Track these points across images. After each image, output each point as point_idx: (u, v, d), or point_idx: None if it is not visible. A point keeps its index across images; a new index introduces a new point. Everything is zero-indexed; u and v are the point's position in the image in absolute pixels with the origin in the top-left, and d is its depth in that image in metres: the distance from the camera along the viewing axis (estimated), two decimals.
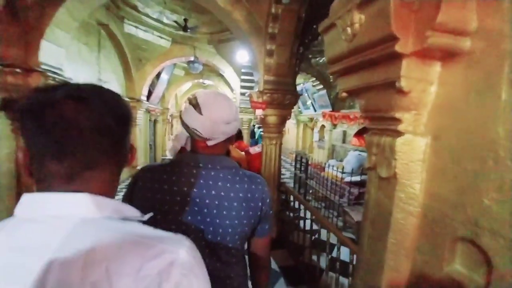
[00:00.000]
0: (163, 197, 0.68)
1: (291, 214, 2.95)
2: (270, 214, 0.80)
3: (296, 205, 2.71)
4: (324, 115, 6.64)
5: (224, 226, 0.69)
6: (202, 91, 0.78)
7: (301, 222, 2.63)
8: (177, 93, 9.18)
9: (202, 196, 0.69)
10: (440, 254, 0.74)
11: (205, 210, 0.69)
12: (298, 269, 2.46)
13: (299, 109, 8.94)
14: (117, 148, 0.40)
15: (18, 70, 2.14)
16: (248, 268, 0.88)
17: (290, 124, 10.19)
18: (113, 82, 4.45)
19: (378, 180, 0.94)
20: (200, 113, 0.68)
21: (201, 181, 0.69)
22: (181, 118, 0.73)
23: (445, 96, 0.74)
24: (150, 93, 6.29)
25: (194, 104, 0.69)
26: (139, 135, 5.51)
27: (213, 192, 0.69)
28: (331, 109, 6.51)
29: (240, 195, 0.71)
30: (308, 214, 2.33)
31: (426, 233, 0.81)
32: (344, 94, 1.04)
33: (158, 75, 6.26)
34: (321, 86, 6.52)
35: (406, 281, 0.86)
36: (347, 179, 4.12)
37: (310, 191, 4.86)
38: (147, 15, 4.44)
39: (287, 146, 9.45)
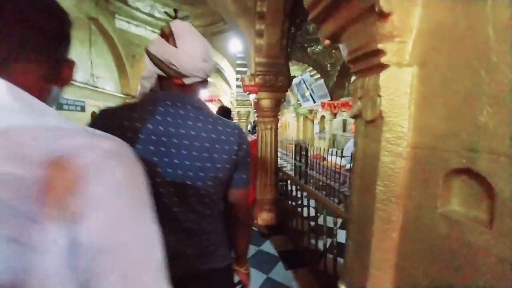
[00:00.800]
0: (123, 133, 0.58)
1: (292, 203, 2.87)
2: (248, 163, 0.73)
3: (296, 193, 2.63)
4: (323, 105, 6.54)
5: (194, 169, 0.62)
6: (175, 21, 0.69)
7: (301, 210, 2.55)
8: None
9: (170, 135, 0.60)
10: (433, 195, 0.66)
11: (173, 151, 0.61)
12: (298, 252, 2.38)
13: (298, 102, 8.84)
14: (47, 48, 0.36)
15: None
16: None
17: (290, 118, 10.09)
18: (107, 78, 4.42)
19: (365, 126, 0.86)
20: (175, 45, 0.61)
21: (169, 119, 0.61)
22: (149, 53, 0.64)
23: (431, 18, 0.66)
24: None
25: (168, 34, 0.62)
26: None
27: (182, 131, 0.61)
28: (330, 99, 6.40)
29: (213, 136, 0.64)
30: (309, 202, 2.25)
31: (417, 175, 0.73)
32: (327, 42, 0.97)
33: None
34: (319, 76, 6.42)
35: (398, 231, 0.78)
36: (348, 166, 4.03)
37: (311, 181, 4.77)
38: (138, 10, 4.41)
39: (288, 140, 9.36)
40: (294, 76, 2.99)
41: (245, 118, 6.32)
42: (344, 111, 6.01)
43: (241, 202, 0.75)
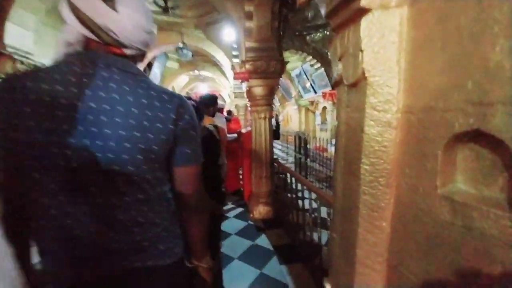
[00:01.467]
0: (38, 98, 0.46)
1: (291, 195, 2.73)
2: (192, 136, 0.61)
3: (294, 186, 2.49)
4: (324, 95, 6.32)
5: (118, 139, 0.50)
6: None
7: (299, 202, 2.41)
8: (175, 87, 9.06)
9: (84, 99, 0.48)
10: (432, 172, 0.51)
11: (90, 117, 0.48)
12: (295, 246, 2.26)
13: (300, 94, 8.62)
14: None
15: None
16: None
17: (292, 110, 9.88)
18: None
19: (347, 93, 0.71)
20: (114, 9, 0.50)
21: (85, 80, 0.49)
22: (76, 10, 0.50)
23: None
24: None
25: None
26: None
27: (102, 94, 0.50)
28: (331, 88, 6.18)
29: (143, 100, 0.52)
30: (306, 194, 2.10)
31: (410, 147, 0.57)
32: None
33: (150, 68, 6.12)
34: (319, 65, 6.19)
35: (389, 220, 0.63)
36: None
37: (312, 173, 4.62)
38: None
39: (290, 133, 9.17)
40: (288, 61, 2.81)
41: (244, 110, 6.16)
42: None
43: (188, 183, 0.63)
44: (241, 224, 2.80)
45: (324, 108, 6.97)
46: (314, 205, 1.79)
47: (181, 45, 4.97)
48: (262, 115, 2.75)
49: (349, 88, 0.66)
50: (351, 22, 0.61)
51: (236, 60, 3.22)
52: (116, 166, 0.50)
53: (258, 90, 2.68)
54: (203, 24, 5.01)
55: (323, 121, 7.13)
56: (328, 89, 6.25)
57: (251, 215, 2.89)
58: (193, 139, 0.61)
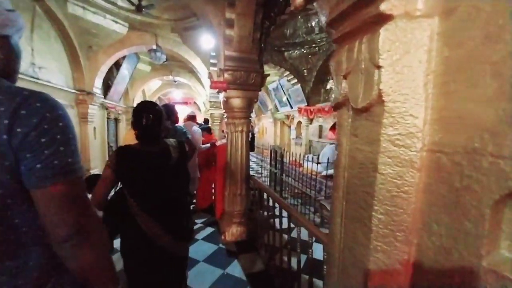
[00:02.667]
0: None
1: (265, 213, 2.55)
2: (42, 144, 0.45)
3: (268, 203, 2.33)
4: (300, 111, 6.43)
5: None
6: None
7: (274, 222, 2.24)
8: (146, 91, 8.49)
9: None
10: (476, 235, 0.38)
11: None
12: (269, 274, 2.06)
13: (276, 107, 8.70)
14: None
15: None
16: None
17: (267, 123, 9.92)
18: (54, 70, 3.78)
19: (353, 119, 0.58)
20: None
21: None
22: None
23: None
24: (108, 88, 5.63)
25: None
26: (93, 134, 4.80)
27: None
28: (306, 104, 6.32)
29: None
30: (282, 212, 1.95)
31: (441, 197, 0.45)
32: (299, 1, 0.68)
33: (118, 68, 5.63)
34: (296, 81, 6.32)
35: (407, 284, 0.50)
36: (324, 173, 3.86)
37: (287, 188, 4.53)
38: None
39: (265, 145, 9.13)
40: (268, 74, 2.73)
41: (219, 121, 5.94)
42: (320, 117, 5.93)
43: (54, 213, 0.47)
44: (211, 248, 2.53)
45: (299, 123, 7.08)
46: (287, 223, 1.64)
47: (155, 47, 4.65)
48: (239, 128, 2.59)
49: (357, 112, 0.53)
50: (364, 31, 0.49)
51: (213, 68, 3.05)
52: None
53: (236, 102, 2.52)
54: (180, 28, 4.79)
55: (298, 136, 7.22)
56: (303, 105, 6.38)
57: (223, 237, 2.63)
58: (45, 148, 0.45)
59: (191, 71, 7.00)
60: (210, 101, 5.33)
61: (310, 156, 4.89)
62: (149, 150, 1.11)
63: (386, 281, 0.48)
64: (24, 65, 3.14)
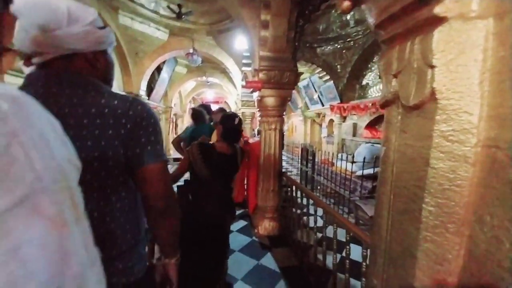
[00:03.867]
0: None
1: (297, 211, 2.59)
2: (150, 133, 0.61)
3: (302, 200, 2.36)
4: (332, 108, 6.24)
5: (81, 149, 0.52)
6: None
7: (306, 219, 2.28)
8: (181, 92, 9.06)
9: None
10: None
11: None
12: (303, 270, 2.10)
13: (306, 105, 8.56)
14: None
15: None
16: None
17: (297, 121, 9.81)
18: None
19: (402, 116, 0.61)
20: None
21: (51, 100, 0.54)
22: None
23: None
24: (151, 90, 6.16)
25: None
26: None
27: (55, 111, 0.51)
28: (339, 101, 6.11)
29: (93, 110, 0.55)
30: (316, 211, 1.98)
31: (495, 191, 0.46)
32: (347, 3, 0.72)
33: (159, 72, 6.13)
34: (328, 77, 6.15)
35: (458, 275, 0.51)
36: (359, 173, 3.72)
37: (318, 187, 4.48)
38: (143, 6, 4.29)
39: (295, 143, 9.06)
40: (302, 73, 2.74)
41: (250, 119, 6.09)
42: (354, 115, 5.69)
43: (151, 182, 0.62)
44: (245, 240, 2.66)
45: (331, 121, 6.88)
46: (320, 222, 1.66)
47: (191, 51, 4.96)
48: (273, 126, 2.66)
49: (408, 110, 0.55)
50: (415, 32, 0.52)
51: (247, 68, 3.15)
52: (89, 174, 0.55)
53: (270, 101, 2.60)
54: (214, 31, 5.02)
55: (330, 134, 7.03)
56: (336, 102, 6.18)
57: (256, 231, 2.75)
58: (152, 136, 0.61)
59: (223, 72, 7.28)
60: (242, 100, 5.50)
61: (343, 155, 4.75)
62: (222, 152, 1.41)
63: (435, 270, 0.51)
64: None
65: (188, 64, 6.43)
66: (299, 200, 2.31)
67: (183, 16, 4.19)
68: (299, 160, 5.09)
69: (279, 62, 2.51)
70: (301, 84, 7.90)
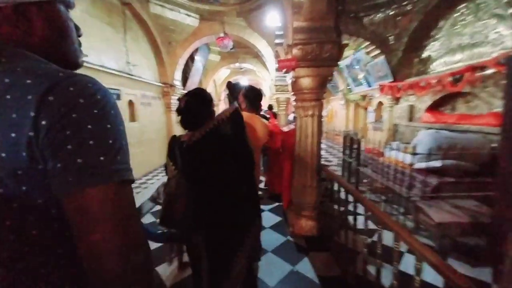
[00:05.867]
0: None
1: (340, 208, 2.21)
2: (66, 136, 0.33)
3: (346, 197, 1.97)
4: (382, 88, 5.37)
5: None
6: None
7: (352, 219, 1.89)
8: (216, 80, 9.05)
9: None
10: None
11: None
12: (347, 283, 1.76)
13: (349, 87, 7.66)
14: None
15: None
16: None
17: (338, 105, 8.93)
18: (143, 66, 4.38)
19: None
20: None
21: None
22: None
23: None
24: (186, 80, 6.21)
25: None
26: (176, 120, 5.49)
27: None
28: (391, 80, 5.20)
29: None
30: (362, 209, 1.59)
31: None
32: None
33: (193, 61, 6.10)
34: (378, 52, 5.25)
35: None
36: (420, 165, 3.04)
37: (364, 180, 3.91)
38: None
39: (335, 130, 8.31)
40: (347, 44, 2.23)
41: (285, 106, 5.66)
42: (411, 95, 4.76)
43: (87, 222, 0.34)
44: (278, 239, 2.41)
45: (380, 103, 5.97)
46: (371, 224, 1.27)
47: (222, 35, 4.72)
48: (310, 112, 2.26)
49: None
50: None
51: (280, 46, 2.74)
52: None
53: (307, 82, 2.19)
54: (245, 11, 4.66)
55: (378, 119, 6.14)
56: (387, 81, 5.28)
57: (291, 229, 2.47)
58: (71, 141, 0.33)
59: (256, 56, 6.91)
60: (276, 85, 5.10)
61: (395, 143, 4.03)
62: (186, 141, 1.01)
63: None
64: (121, 64, 3.74)
65: (221, 51, 6.24)
66: (342, 196, 1.92)
67: None
68: (341, 149, 4.53)
69: (317, 33, 2.06)
70: (342, 63, 7.04)
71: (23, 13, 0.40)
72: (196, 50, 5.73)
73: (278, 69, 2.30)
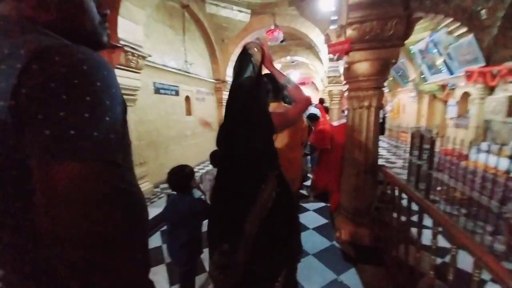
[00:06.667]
0: None
1: (401, 218, 1.85)
2: (38, 105, 0.30)
3: (410, 204, 1.62)
4: (470, 76, 4.30)
5: None
6: None
7: (416, 232, 1.55)
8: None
9: None
10: None
11: None
12: None
13: (423, 76, 6.47)
14: None
15: None
16: None
17: (406, 98, 7.66)
18: (199, 64, 4.70)
19: None
20: None
21: None
22: None
23: None
24: None
25: None
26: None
27: None
28: (484, 64, 4.11)
29: None
30: (430, 222, 1.26)
31: None
32: None
33: None
34: (464, 30, 4.20)
35: None
36: None
37: (438, 188, 3.23)
38: None
39: (402, 127, 7.19)
40: (419, 18, 1.82)
41: (339, 99, 5.17)
42: (511, 82, 3.66)
43: (49, 199, 0.30)
44: (323, 243, 2.20)
45: (465, 94, 4.81)
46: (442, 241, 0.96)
47: (273, 27, 4.62)
48: (366, 103, 1.95)
49: None
50: None
51: (331, 28, 2.43)
52: None
53: (363, 67, 1.89)
54: None
55: (462, 114, 4.98)
56: (477, 66, 4.19)
57: (338, 234, 2.22)
58: (43, 109, 0.30)
59: (309, 47, 6.56)
60: (328, 77, 4.71)
61: (486, 144, 3.17)
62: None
63: None
64: (180, 63, 4.10)
65: (271, 45, 6.17)
66: (405, 203, 1.59)
67: None
68: (408, 149, 3.87)
69: (378, 8, 1.74)
70: (415, 47, 5.97)
71: None
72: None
73: (330, 53, 2.05)
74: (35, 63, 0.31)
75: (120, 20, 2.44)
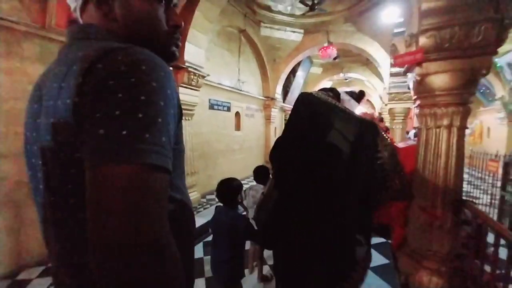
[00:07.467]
0: None
1: (495, 271, 1.38)
2: (95, 105, 0.30)
3: (507, 254, 1.19)
4: None
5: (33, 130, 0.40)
6: None
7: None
8: None
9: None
10: None
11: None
12: None
13: None
14: None
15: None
16: None
17: (491, 120, 6.29)
18: (251, 82, 4.92)
19: None
20: None
21: None
22: None
23: None
24: (286, 93, 6.44)
25: None
26: (274, 132, 5.75)
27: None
28: None
29: (56, 71, 0.37)
30: None
31: None
32: None
33: (294, 75, 6.27)
34: None
35: None
36: None
37: None
38: (280, 12, 4.49)
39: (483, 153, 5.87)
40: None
41: (402, 118, 4.56)
42: None
43: (97, 202, 0.28)
44: (379, 284, 1.83)
45: None
46: None
47: (326, 44, 4.53)
48: (445, 122, 1.62)
49: None
50: None
51: (398, 38, 2.15)
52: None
53: (441, 80, 1.59)
54: (355, 14, 4.28)
55: None
56: None
57: (403, 280, 1.81)
58: (100, 111, 0.30)
59: (365, 63, 6.17)
60: (390, 93, 4.24)
61: None
62: None
63: None
64: (233, 81, 4.36)
65: (323, 63, 6.05)
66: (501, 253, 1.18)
67: (315, 7, 3.87)
68: (496, 181, 3.09)
69: (460, 12, 1.48)
70: (500, 60, 4.96)
71: (109, 1, 0.41)
72: (299, 64, 5.84)
73: (396, 66, 1.82)
74: (100, 63, 0.32)
75: (187, 45, 2.76)
